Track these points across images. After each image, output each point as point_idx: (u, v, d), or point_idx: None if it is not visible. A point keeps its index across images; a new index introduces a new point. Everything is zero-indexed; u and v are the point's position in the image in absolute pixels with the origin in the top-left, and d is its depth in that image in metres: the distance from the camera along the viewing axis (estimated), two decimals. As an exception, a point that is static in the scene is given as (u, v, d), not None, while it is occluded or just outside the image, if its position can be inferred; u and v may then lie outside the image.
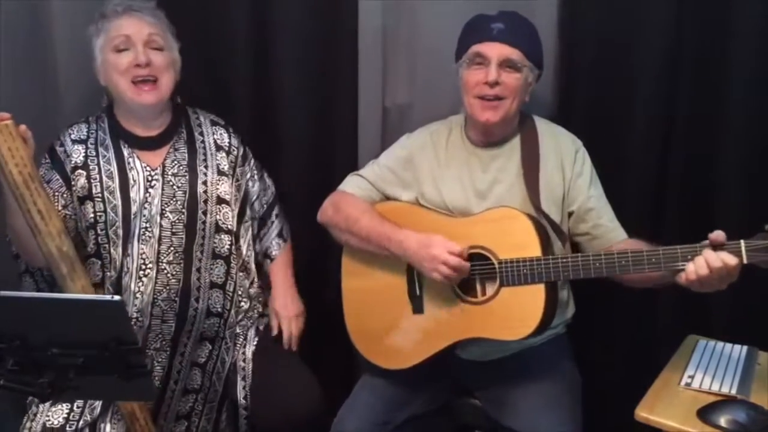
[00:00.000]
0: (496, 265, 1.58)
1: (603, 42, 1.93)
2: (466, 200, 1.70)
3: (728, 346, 1.71)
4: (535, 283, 1.54)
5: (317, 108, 2.13)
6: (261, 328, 1.93)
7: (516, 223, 1.59)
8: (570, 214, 1.70)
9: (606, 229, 1.67)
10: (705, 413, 1.42)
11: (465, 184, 1.72)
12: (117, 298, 1.20)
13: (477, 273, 1.62)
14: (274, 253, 1.98)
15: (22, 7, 1.97)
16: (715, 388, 1.51)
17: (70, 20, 1.98)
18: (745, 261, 1.35)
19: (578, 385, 1.75)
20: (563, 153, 1.71)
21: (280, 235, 1.99)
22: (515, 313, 1.56)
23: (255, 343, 1.88)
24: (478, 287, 1.63)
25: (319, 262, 2.15)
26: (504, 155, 1.72)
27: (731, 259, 1.34)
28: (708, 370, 1.59)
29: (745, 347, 1.69)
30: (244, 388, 1.84)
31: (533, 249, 1.55)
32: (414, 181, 1.77)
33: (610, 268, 1.48)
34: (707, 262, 1.35)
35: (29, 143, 1.56)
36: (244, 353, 1.87)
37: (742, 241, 1.36)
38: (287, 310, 1.94)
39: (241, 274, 1.87)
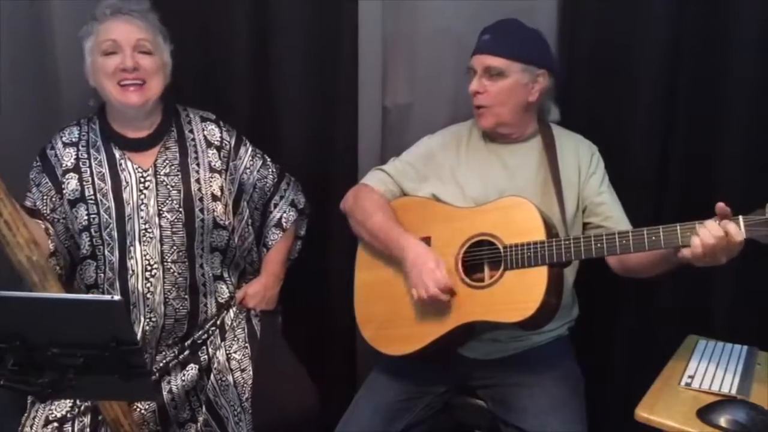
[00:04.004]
0: (501, 250, 1.61)
1: (603, 42, 1.93)
2: (486, 195, 1.73)
3: (728, 346, 1.71)
4: (538, 265, 1.56)
5: (317, 108, 2.13)
6: (256, 323, 1.93)
7: (522, 211, 1.62)
8: (583, 211, 1.76)
9: (616, 221, 1.71)
10: (705, 413, 1.42)
11: (485, 179, 1.77)
12: (117, 298, 1.20)
13: (485, 258, 1.65)
14: (270, 243, 1.98)
15: (22, 7, 1.97)
16: (715, 388, 1.51)
17: (70, 20, 1.97)
18: (743, 235, 1.38)
19: (582, 385, 1.76)
20: (580, 154, 1.77)
21: (278, 225, 1.97)
22: (518, 295, 1.57)
23: (246, 341, 1.88)
24: (486, 273, 1.66)
25: (320, 261, 2.15)
26: (523, 152, 1.78)
27: (733, 228, 1.37)
28: (708, 370, 1.59)
29: (745, 347, 1.69)
30: (242, 385, 1.83)
31: (538, 234, 1.58)
32: (433, 176, 1.82)
33: (612, 247, 1.50)
34: (711, 231, 1.38)
35: None
36: (235, 349, 1.86)
37: (740, 217, 1.39)
38: (252, 299, 1.93)
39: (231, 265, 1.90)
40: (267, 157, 1.95)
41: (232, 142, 1.88)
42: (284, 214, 1.98)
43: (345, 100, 2.09)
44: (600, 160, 1.79)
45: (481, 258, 1.66)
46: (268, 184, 1.94)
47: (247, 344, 1.87)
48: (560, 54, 1.95)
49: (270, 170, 1.94)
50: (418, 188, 1.83)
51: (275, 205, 1.97)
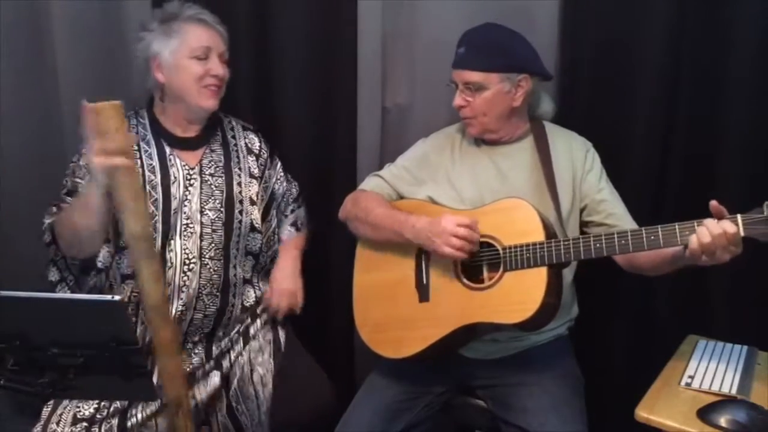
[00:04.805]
0: (500, 251, 1.61)
1: (603, 42, 1.93)
2: (480, 197, 1.74)
3: (728, 346, 1.71)
4: (537, 266, 1.56)
5: (317, 108, 2.13)
6: (282, 335, 1.94)
7: (521, 212, 1.62)
8: (582, 209, 1.75)
9: (619, 218, 1.71)
10: (705, 413, 1.42)
11: (478, 182, 1.77)
12: (117, 298, 1.21)
13: (484, 260, 1.65)
14: (284, 238, 2.02)
15: (22, 8, 1.98)
16: (715, 388, 1.51)
17: (70, 20, 1.98)
18: (742, 233, 1.39)
19: (582, 384, 1.77)
20: (574, 152, 1.77)
21: (293, 224, 2.04)
22: (517, 296, 1.57)
23: (272, 355, 1.90)
24: (485, 274, 1.66)
25: (319, 261, 2.15)
26: (516, 153, 1.78)
27: (730, 227, 1.37)
28: (708, 370, 1.59)
29: (745, 347, 1.69)
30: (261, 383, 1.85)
31: (537, 235, 1.58)
32: (429, 179, 1.82)
33: (611, 248, 1.51)
34: (708, 229, 1.39)
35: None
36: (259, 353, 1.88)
37: (738, 215, 1.39)
38: (280, 284, 1.94)
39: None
40: (288, 173, 2.03)
41: (268, 152, 1.96)
42: (300, 218, 2.06)
43: (345, 100, 2.09)
44: (595, 156, 1.78)
45: (481, 260, 1.66)
46: (292, 196, 2.03)
47: (272, 361, 1.88)
48: (560, 54, 1.95)
49: (293, 183, 2.04)
50: (415, 192, 1.83)
51: (292, 210, 2.05)
